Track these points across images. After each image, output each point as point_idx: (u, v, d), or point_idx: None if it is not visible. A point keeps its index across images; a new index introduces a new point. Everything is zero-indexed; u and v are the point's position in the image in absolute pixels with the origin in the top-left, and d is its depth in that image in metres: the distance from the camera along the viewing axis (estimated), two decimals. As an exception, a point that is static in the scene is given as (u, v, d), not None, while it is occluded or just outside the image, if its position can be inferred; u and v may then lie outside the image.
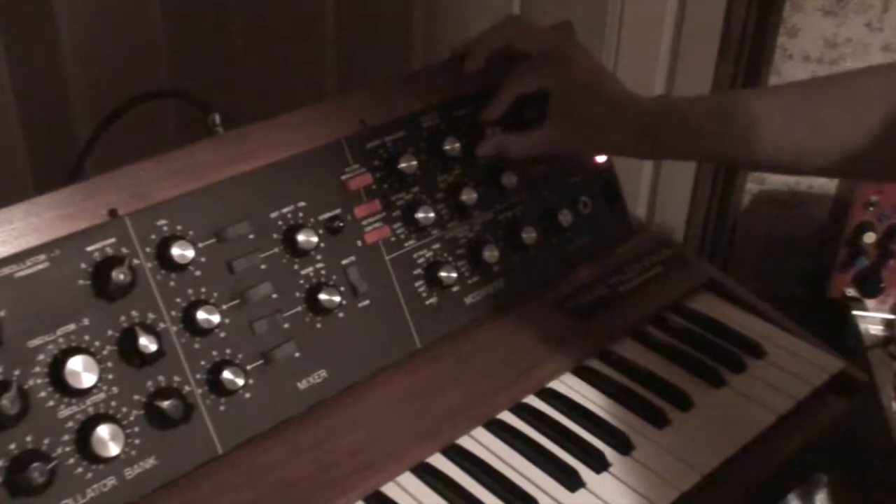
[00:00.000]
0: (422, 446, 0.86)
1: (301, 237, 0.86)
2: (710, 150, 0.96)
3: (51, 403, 0.73)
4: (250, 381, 0.82)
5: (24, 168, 1.38)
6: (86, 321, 0.75)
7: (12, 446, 0.71)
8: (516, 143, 1.00)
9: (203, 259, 0.82)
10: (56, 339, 0.74)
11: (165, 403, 0.77)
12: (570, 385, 0.95)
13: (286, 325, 0.85)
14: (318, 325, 0.87)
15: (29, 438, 0.72)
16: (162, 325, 0.79)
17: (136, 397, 0.77)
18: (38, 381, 0.73)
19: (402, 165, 0.93)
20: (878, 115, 0.83)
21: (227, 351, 0.82)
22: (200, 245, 0.82)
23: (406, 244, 0.95)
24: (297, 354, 0.85)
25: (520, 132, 1.00)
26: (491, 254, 0.98)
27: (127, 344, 0.76)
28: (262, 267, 0.85)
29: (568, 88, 0.97)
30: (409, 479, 0.84)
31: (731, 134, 0.92)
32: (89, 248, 0.77)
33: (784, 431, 0.93)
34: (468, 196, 0.97)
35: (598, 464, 0.86)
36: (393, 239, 0.94)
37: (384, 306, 0.92)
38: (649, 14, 1.45)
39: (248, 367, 0.83)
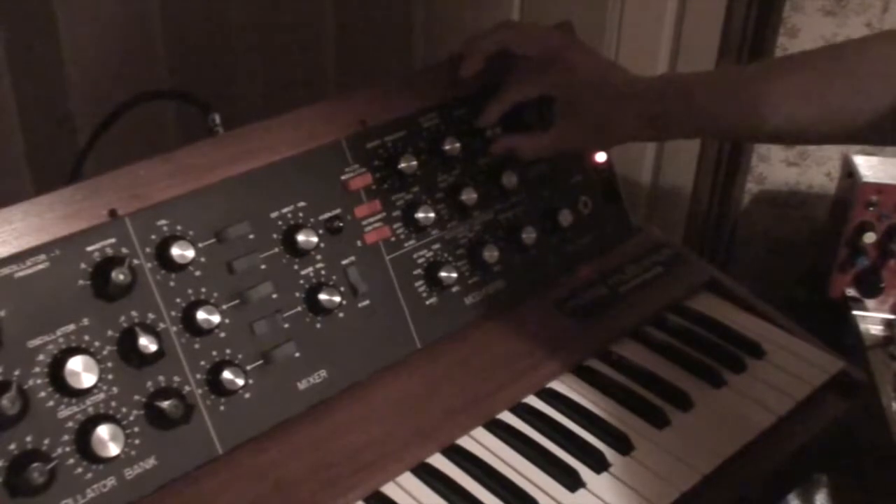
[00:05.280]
0: (422, 446, 0.86)
1: (301, 237, 0.86)
2: (716, 128, 0.98)
3: (51, 403, 0.73)
4: (250, 381, 0.82)
5: (24, 168, 1.38)
6: (86, 321, 0.75)
7: (12, 446, 0.71)
8: (528, 144, 1.00)
9: (203, 259, 0.82)
10: (56, 339, 0.74)
11: (165, 403, 0.77)
12: (570, 385, 0.95)
13: (286, 325, 0.85)
14: (318, 325, 0.87)
15: (29, 438, 0.72)
16: (162, 326, 0.79)
17: (136, 397, 0.77)
18: (38, 381, 0.73)
19: (402, 165, 0.93)
20: (879, 88, 0.84)
21: (227, 351, 0.82)
22: (200, 245, 0.82)
23: (406, 244, 0.95)
24: (297, 354, 0.85)
25: (531, 133, 1.00)
26: (491, 254, 0.98)
27: (127, 344, 0.76)
28: (262, 267, 0.85)
29: (572, 91, 0.97)
30: (409, 479, 0.84)
31: (736, 113, 0.92)
32: (89, 248, 0.77)
33: (784, 431, 0.93)
34: (468, 196, 0.97)
35: (598, 464, 0.86)
36: (393, 239, 0.94)
37: (384, 306, 0.92)
38: (649, 14, 1.45)
39: (248, 367, 0.83)
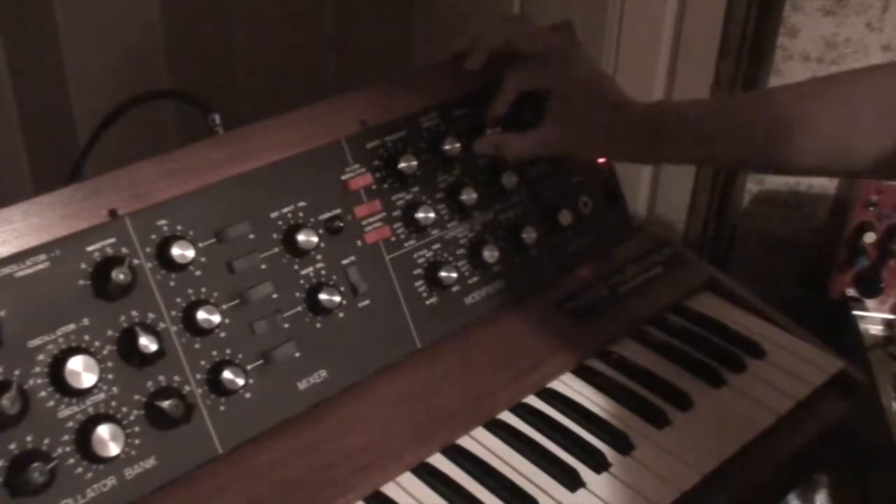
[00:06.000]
0: (422, 446, 0.86)
1: (301, 237, 0.86)
2: (708, 155, 0.97)
3: (51, 403, 0.73)
4: (250, 381, 0.82)
5: (24, 168, 1.38)
6: (86, 321, 0.75)
7: (12, 446, 0.71)
8: (513, 142, 1.00)
9: (203, 259, 0.82)
10: (56, 339, 0.74)
11: (165, 403, 0.77)
12: (570, 385, 0.95)
13: (286, 325, 0.85)
14: (318, 325, 0.87)
15: (29, 438, 0.72)
16: (162, 325, 0.79)
17: (136, 397, 0.77)
18: (38, 381, 0.73)
19: (402, 165, 0.93)
20: (871, 117, 0.84)
21: (227, 351, 0.82)
22: (200, 245, 0.82)
23: (406, 244, 0.95)
24: (297, 354, 0.85)
25: (518, 132, 1.00)
26: (491, 254, 0.98)
27: (127, 344, 0.76)
28: (262, 267, 0.85)
29: (567, 89, 0.97)
30: (409, 479, 0.84)
31: (727, 139, 0.92)
32: (89, 248, 0.77)
33: (784, 431, 0.93)
34: (468, 196, 0.97)
35: (598, 464, 0.86)
36: (393, 239, 0.94)
37: (384, 306, 0.92)
38: (649, 14, 1.45)
39: (248, 367, 0.83)
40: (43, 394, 0.73)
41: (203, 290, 0.81)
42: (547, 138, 0.99)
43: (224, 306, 0.82)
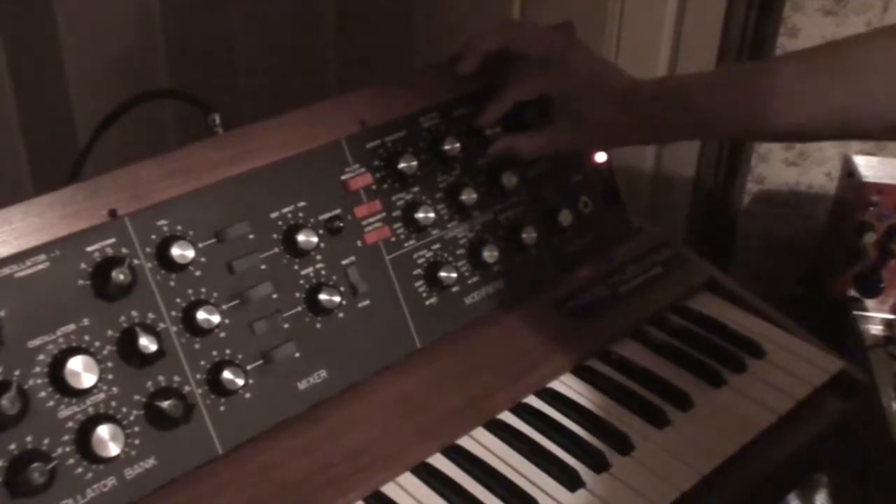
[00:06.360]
0: (422, 446, 0.86)
1: (301, 237, 0.86)
2: (716, 129, 0.98)
3: (51, 403, 0.73)
4: (250, 381, 0.82)
5: (24, 168, 1.38)
6: (86, 321, 0.75)
7: (12, 446, 0.71)
8: (526, 143, 1.00)
9: (203, 259, 0.82)
10: (56, 339, 0.74)
11: (165, 403, 0.77)
12: (570, 385, 0.95)
13: (286, 325, 0.85)
14: (318, 325, 0.87)
15: (29, 438, 0.72)
16: (162, 325, 0.79)
17: (136, 397, 0.77)
18: (38, 381, 0.73)
19: (402, 165, 0.93)
20: (882, 84, 0.84)
21: (227, 351, 0.82)
22: (200, 245, 0.82)
23: (406, 244, 0.95)
24: (297, 354, 0.85)
25: (529, 132, 1.00)
26: (491, 254, 0.98)
27: (127, 344, 0.76)
28: (262, 267, 0.85)
29: (570, 92, 0.97)
30: (409, 479, 0.84)
31: (736, 115, 0.92)
32: (89, 248, 0.77)
33: (784, 431, 0.93)
34: (468, 196, 0.97)
35: (598, 464, 0.86)
36: (393, 239, 0.94)
37: (384, 306, 0.92)
38: (649, 14, 1.45)
39: (248, 367, 0.83)
40: (43, 394, 0.73)
41: (203, 290, 0.81)
42: (558, 138, 1.00)
43: (224, 306, 0.82)
